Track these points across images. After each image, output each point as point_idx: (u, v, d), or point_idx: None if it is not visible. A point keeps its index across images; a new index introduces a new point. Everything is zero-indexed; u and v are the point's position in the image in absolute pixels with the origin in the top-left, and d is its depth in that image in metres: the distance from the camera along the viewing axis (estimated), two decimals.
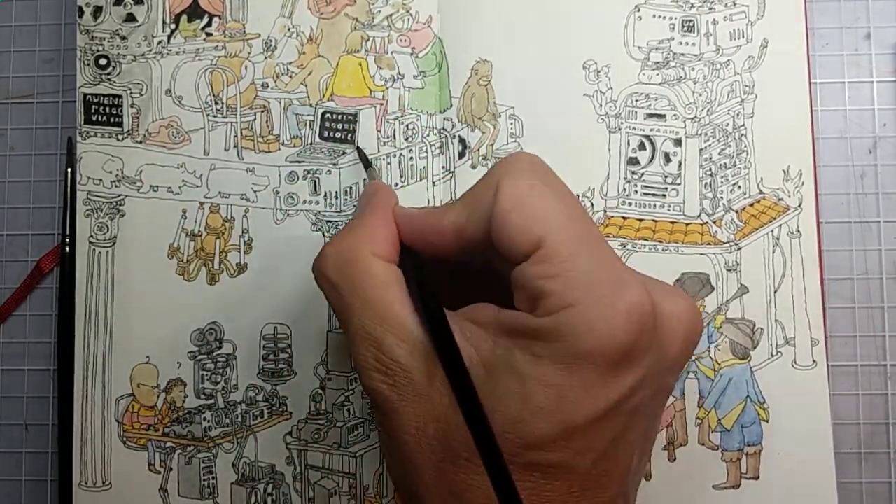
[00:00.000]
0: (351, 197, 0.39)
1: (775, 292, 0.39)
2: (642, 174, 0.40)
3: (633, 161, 0.40)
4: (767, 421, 0.38)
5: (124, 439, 0.39)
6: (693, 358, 0.39)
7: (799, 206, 0.39)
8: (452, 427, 0.26)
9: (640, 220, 0.40)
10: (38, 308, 0.41)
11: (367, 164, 0.39)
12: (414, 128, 0.39)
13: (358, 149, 0.39)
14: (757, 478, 0.38)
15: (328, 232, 0.39)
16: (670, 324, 0.27)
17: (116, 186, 0.40)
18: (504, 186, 0.27)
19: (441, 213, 0.29)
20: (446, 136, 0.40)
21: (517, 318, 0.26)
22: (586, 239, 0.26)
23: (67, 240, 0.40)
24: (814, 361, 0.38)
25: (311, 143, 0.40)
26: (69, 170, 0.40)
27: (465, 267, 0.31)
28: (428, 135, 0.40)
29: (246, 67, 0.40)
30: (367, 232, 0.30)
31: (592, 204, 0.40)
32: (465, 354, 0.26)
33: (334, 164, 0.39)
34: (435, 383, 0.27)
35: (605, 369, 0.25)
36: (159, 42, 0.40)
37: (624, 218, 0.40)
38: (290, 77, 0.40)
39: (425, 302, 0.27)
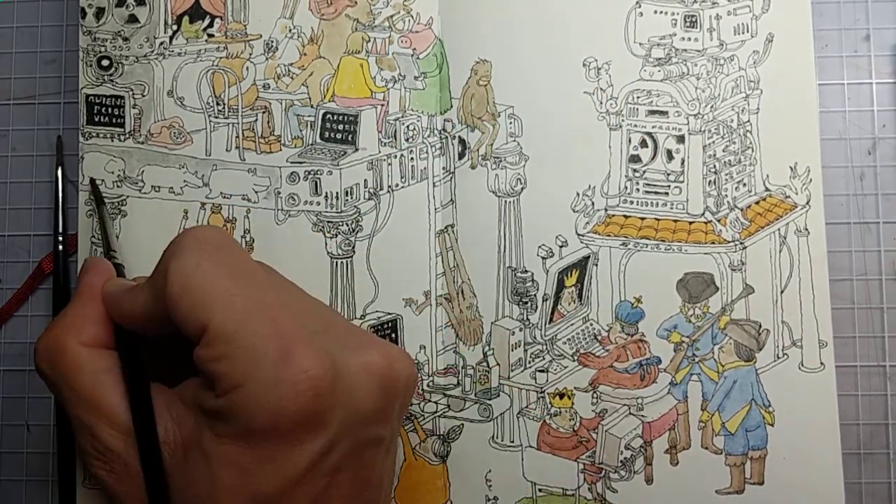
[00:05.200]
0: (352, 197, 0.37)
1: (782, 292, 0.36)
2: (644, 172, 0.37)
3: (635, 159, 0.37)
4: (773, 425, 0.35)
5: None
6: (696, 360, 0.36)
7: (807, 203, 0.36)
8: None
9: (642, 218, 0.37)
10: (40, 308, 0.39)
11: (100, 200, 0.36)
12: (414, 129, 0.37)
13: (91, 181, 0.37)
14: (761, 483, 0.35)
15: (329, 233, 0.37)
16: (359, 377, 0.26)
17: (118, 187, 0.37)
18: (170, 270, 0.26)
19: (136, 294, 0.28)
20: (446, 137, 0.37)
21: (203, 397, 0.26)
22: (253, 312, 0.25)
23: (60, 238, 0.38)
24: (822, 364, 0.35)
25: (312, 144, 0.37)
26: (59, 168, 0.38)
27: None
28: (428, 136, 0.37)
29: (247, 68, 0.38)
30: (72, 320, 0.29)
31: (593, 202, 0.37)
32: (170, 437, 0.26)
33: (335, 165, 0.37)
34: None
35: (284, 440, 0.25)
36: (161, 43, 0.38)
37: (625, 217, 0.37)
38: (292, 78, 0.38)
39: (130, 388, 0.27)
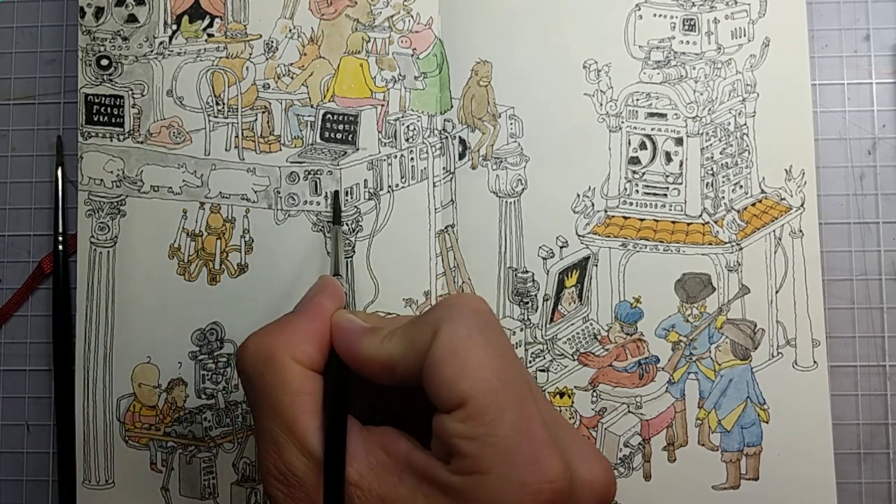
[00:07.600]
0: (352, 197, 0.37)
1: (777, 293, 0.37)
2: (643, 174, 0.38)
3: (634, 161, 0.38)
4: (767, 422, 0.37)
5: (126, 438, 0.38)
6: (694, 359, 0.37)
7: (801, 205, 0.37)
8: None
9: (642, 220, 0.38)
10: (40, 308, 0.40)
11: (338, 219, 0.36)
12: (414, 129, 0.38)
13: (335, 195, 0.37)
14: (756, 478, 0.36)
15: (328, 233, 0.37)
16: (583, 493, 0.26)
17: (117, 186, 0.38)
18: (442, 333, 0.26)
19: (382, 340, 0.28)
20: (446, 137, 0.38)
21: (429, 465, 0.26)
22: (513, 402, 0.25)
23: (60, 238, 0.39)
24: (815, 362, 0.37)
25: (311, 144, 0.38)
26: (59, 168, 0.39)
27: None
28: (428, 136, 0.38)
29: (247, 68, 0.39)
30: (292, 333, 0.28)
31: (593, 203, 0.38)
32: (364, 483, 0.26)
33: (335, 165, 0.38)
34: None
35: None
36: (161, 43, 0.39)
37: (625, 218, 0.38)
38: (292, 78, 0.38)
39: (329, 419, 0.27)
